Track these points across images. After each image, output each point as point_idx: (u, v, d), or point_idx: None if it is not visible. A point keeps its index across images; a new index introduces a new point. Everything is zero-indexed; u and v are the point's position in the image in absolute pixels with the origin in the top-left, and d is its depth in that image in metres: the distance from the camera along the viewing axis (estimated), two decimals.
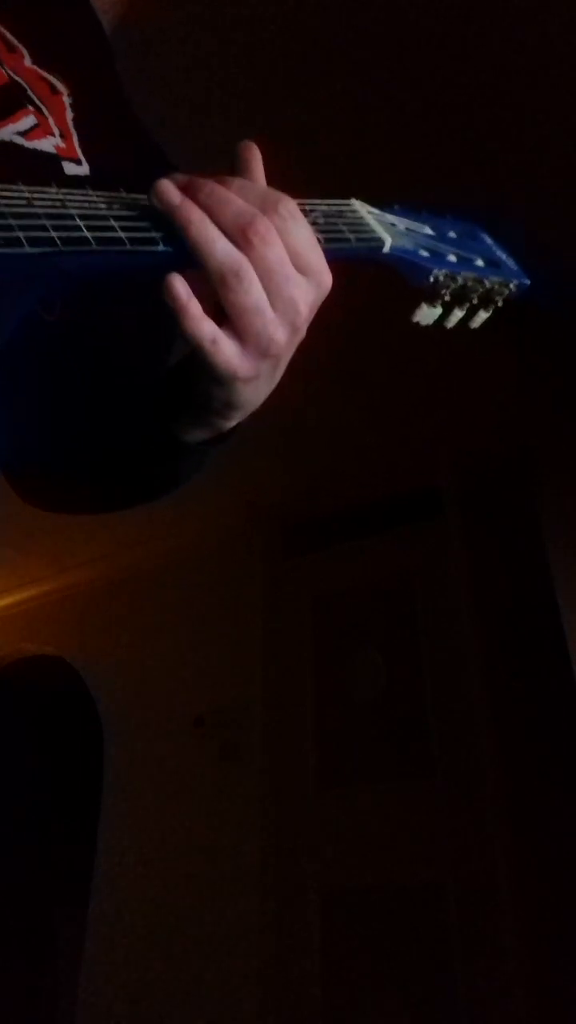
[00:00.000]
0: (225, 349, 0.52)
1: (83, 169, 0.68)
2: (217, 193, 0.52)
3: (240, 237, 0.51)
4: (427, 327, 0.68)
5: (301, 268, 0.53)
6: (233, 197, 0.53)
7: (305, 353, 0.58)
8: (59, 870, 3.86)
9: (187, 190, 0.52)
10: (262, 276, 0.52)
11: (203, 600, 3.52)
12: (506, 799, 2.56)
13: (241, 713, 3.19)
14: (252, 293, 0.51)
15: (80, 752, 3.66)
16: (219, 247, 0.51)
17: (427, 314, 0.67)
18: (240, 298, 0.51)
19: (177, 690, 3.37)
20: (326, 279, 0.55)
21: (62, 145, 0.67)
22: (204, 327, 0.51)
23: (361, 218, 0.63)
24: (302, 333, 0.56)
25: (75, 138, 0.69)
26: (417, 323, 0.67)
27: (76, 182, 0.64)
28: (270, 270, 0.52)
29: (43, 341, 0.62)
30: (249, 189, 0.54)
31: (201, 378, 0.55)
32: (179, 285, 0.50)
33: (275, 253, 0.52)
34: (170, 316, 0.51)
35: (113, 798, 3.37)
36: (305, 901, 2.77)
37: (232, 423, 0.61)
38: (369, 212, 0.65)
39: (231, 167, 0.57)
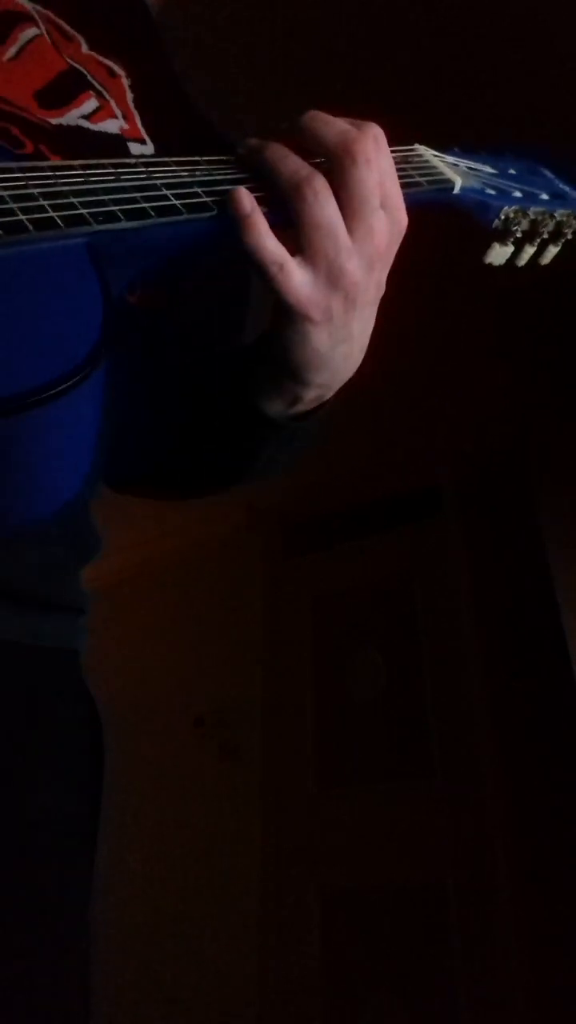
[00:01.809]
0: (294, 275, 0.49)
1: (148, 148, 0.68)
2: (320, 116, 0.52)
3: (344, 153, 0.50)
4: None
5: (382, 200, 0.52)
6: (337, 119, 0.52)
7: None
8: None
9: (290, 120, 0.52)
10: (350, 197, 0.50)
11: (203, 600, 3.52)
12: (506, 799, 2.56)
13: (241, 713, 3.19)
14: (327, 209, 0.49)
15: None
16: (292, 159, 0.50)
17: (499, 253, 0.65)
18: (313, 213, 0.49)
19: (177, 690, 3.37)
20: (403, 217, 0.54)
21: (126, 126, 0.68)
22: (269, 244, 0.48)
23: (427, 161, 0.63)
24: (381, 278, 0.54)
25: (138, 118, 0.69)
26: (489, 264, 0.66)
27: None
28: (361, 193, 0.50)
29: (125, 323, 0.61)
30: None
31: (275, 325, 0.53)
32: (244, 196, 0.49)
33: (372, 177, 0.50)
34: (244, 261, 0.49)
35: (113, 798, 3.36)
36: (305, 901, 2.77)
37: (311, 391, 0.57)
38: (434, 155, 0.65)
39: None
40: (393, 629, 3.09)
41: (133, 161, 0.49)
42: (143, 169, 0.48)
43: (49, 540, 0.63)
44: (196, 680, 3.35)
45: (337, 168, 0.50)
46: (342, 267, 0.50)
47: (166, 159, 0.51)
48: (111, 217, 0.44)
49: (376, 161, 0.51)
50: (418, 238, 0.56)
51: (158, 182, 0.48)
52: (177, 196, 0.47)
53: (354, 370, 0.58)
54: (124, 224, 0.44)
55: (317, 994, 2.60)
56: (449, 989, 2.40)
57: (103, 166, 0.47)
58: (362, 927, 2.64)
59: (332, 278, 0.50)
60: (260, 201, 0.50)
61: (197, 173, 0.50)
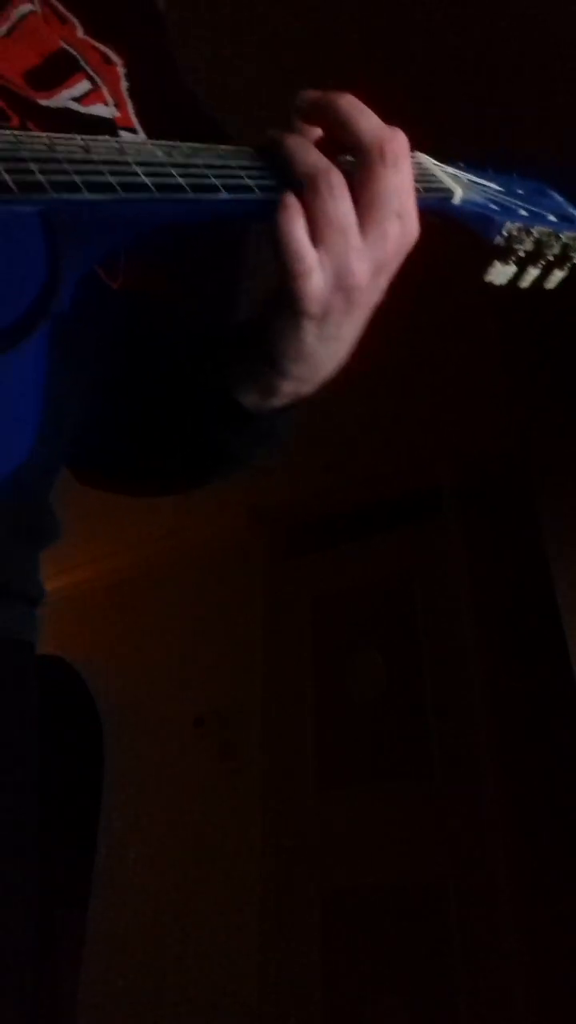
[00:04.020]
0: (314, 274, 0.49)
1: (139, 138, 0.67)
2: (358, 104, 0.51)
3: (379, 152, 0.50)
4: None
5: (399, 207, 0.51)
6: (372, 114, 0.52)
7: None
8: (59, 870, 3.85)
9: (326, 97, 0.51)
10: (372, 197, 0.50)
11: (203, 600, 3.52)
12: (506, 799, 2.56)
13: (241, 713, 3.19)
14: (342, 205, 0.49)
15: (80, 752, 3.66)
16: (312, 151, 0.50)
17: (501, 272, 0.63)
18: (329, 207, 0.48)
19: (177, 690, 3.37)
20: (414, 227, 0.53)
21: (118, 114, 0.67)
22: (304, 239, 0.48)
23: (428, 169, 0.61)
24: (383, 284, 0.53)
25: (130, 107, 0.68)
26: (490, 283, 0.63)
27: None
28: (384, 195, 0.50)
29: (107, 309, 0.61)
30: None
31: (268, 311, 0.53)
32: (291, 198, 0.49)
33: (398, 182, 0.50)
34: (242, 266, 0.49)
35: (113, 798, 3.37)
36: (305, 901, 2.77)
37: (289, 383, 0.56)
38: (435, 164, 0.63)
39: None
40: (393, 629, 3.09)
41: (107, 137, 0.47)
42: (116, 144, 0.47)
43: None
44: (196, 680, 3.35)
45: (367, 164, 0.50)
46: (351, 267, 0.49)
47: (145, 139, 0.49)
48: (70, 187, 0.41)
49: (402, 165, 0.51)
50: (419, 240, 0.56)
51: (129, 159, 0.46)
52: (148, 174, 0.45)
53: (336, 371, 0.57)
54: (85, 196, 0.42)
55: (317, 994, 2.60)
56: (449, 989, 2.40)
57: (72, 139, 0.45)
58: (362, 927, 2.65)
59: (339, 277, 0.49)
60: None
61: (174, 154, 0.48)
